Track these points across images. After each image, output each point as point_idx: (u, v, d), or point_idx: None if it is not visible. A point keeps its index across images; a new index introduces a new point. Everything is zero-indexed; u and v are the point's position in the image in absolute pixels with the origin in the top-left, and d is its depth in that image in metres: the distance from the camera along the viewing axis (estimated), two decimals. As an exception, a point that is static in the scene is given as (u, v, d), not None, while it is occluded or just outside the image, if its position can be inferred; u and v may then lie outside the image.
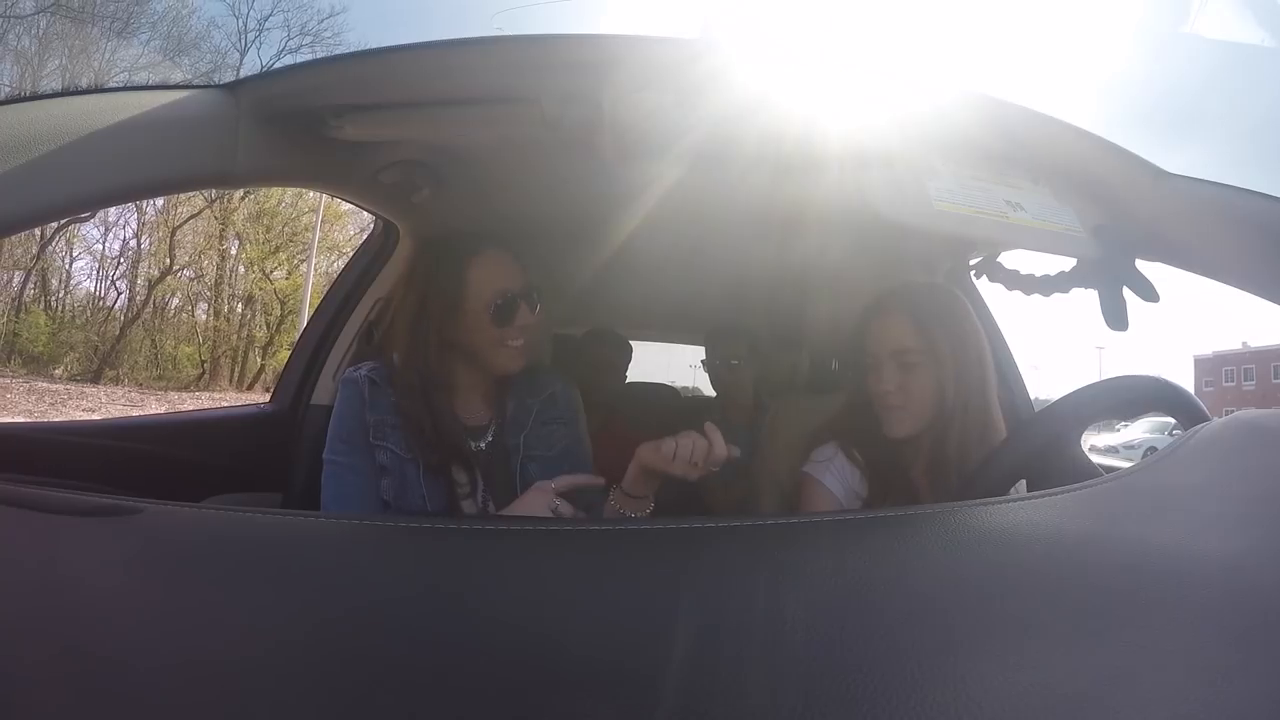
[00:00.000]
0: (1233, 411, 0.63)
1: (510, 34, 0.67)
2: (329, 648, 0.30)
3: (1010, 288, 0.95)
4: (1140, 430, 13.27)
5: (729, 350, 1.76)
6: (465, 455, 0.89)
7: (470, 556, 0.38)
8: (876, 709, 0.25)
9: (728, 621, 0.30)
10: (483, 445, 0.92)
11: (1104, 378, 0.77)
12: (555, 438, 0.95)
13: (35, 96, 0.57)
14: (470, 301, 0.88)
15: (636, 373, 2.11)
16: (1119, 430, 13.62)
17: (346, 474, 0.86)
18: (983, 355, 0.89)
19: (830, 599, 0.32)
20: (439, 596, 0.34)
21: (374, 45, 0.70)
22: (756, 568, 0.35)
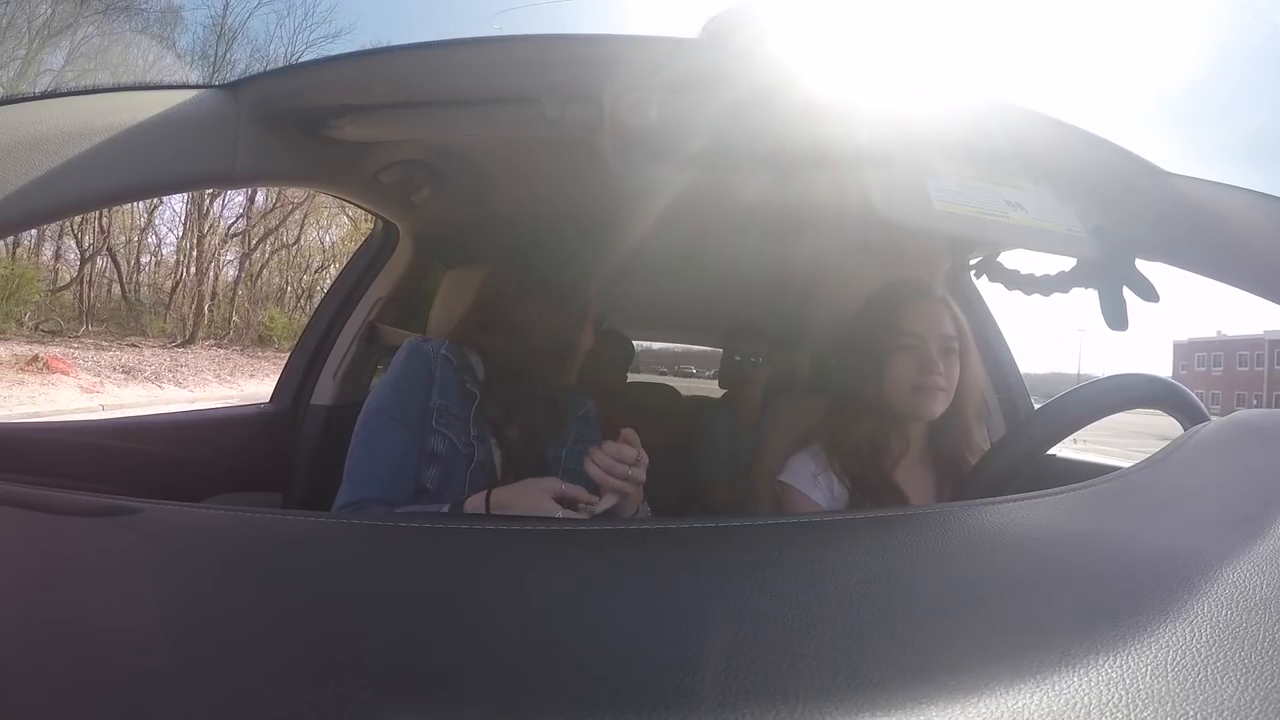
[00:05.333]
0: (1202, 394, 0.63)
1: (510, 34, 0.66)
2: (329, 648, 0.30)
3: (1010, 288, 0.95)
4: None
5: (751, 348, 1.76)
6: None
7: (471, 556, 0.38)
8: (876, 709, 0.25)
9: (735, 622, 0.30)
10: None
11: (1105, 375, 0.77)
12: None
13: (35, 96, 0.57)
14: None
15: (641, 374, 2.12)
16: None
17: (381, 453, 0.81)
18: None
19: (829, 600, 0.32)
20: (440, 597, 0.34)
21: (374, 45, 0.69)
22: (757, 569, 0.35)
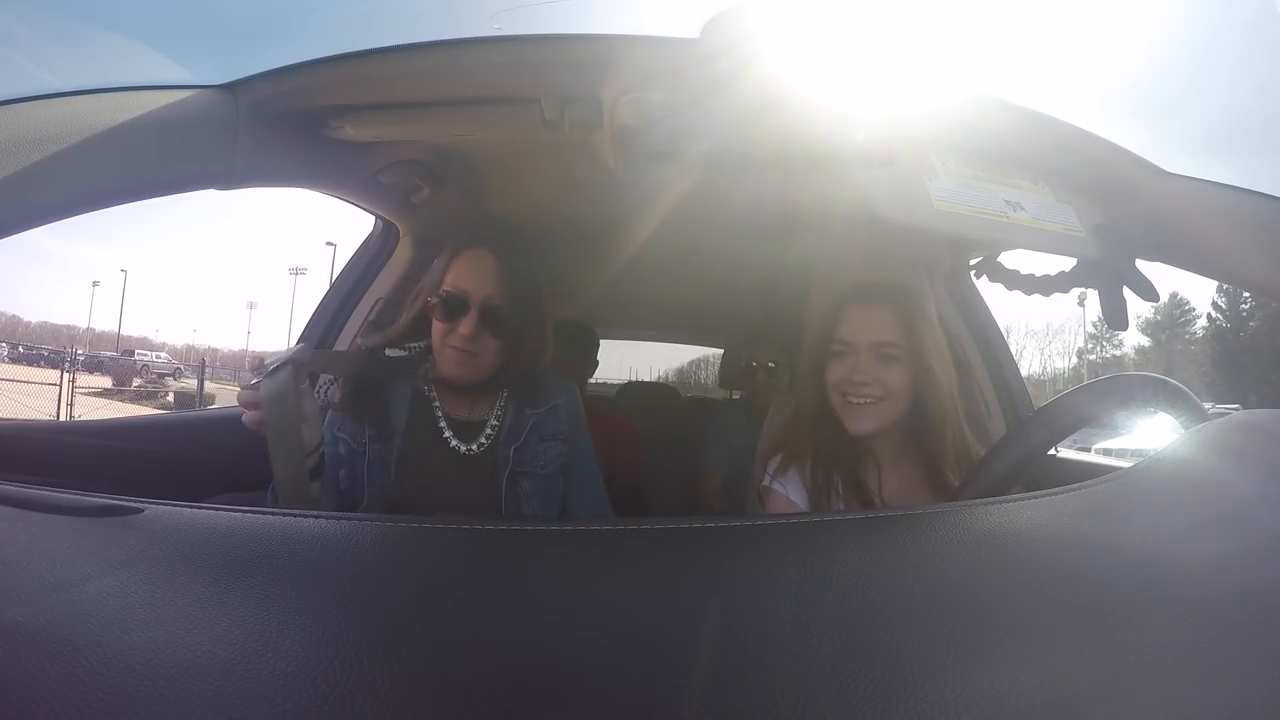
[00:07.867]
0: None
1: (510, 34, 0.66)
2: (329, 647, 0.30)
3: (1010, 288, 0.95)
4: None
5: (765, 355, 1.74)
6: (441, 457, 0.88)
7: (471, 556, 0.38)
8: (876, 710, 0.25)
9: (733, 621, 0.30)
10: (473, 449, 0.89)
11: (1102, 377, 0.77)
12: (551, 455, 0.92)
13: (35, 97, 0.57)
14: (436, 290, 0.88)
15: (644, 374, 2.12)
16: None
17: None
18: (951, 355, 0.89)
19: (828, 600, 0.32)
20: (440, 596, 0.34)
21: (374, 45, 0.69)
22: (755, 568, 0.35)
